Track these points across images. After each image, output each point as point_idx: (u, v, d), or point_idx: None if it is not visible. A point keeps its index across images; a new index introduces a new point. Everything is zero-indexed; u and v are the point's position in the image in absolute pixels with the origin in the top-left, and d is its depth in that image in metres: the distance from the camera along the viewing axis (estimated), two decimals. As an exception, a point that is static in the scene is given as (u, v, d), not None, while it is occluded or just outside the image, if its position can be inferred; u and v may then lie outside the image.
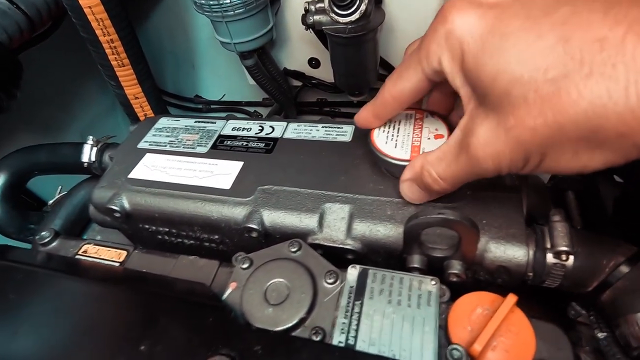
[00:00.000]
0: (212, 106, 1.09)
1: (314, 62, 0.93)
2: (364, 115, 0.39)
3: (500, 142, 0.26)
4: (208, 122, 0.52)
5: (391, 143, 0.39)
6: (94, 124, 1.03)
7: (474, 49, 0.26)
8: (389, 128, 0.40)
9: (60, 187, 0.71)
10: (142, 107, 0.86)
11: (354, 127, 0.47)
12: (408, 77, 0.33)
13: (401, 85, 0.34)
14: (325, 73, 0.93)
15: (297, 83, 0.98)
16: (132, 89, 0.82)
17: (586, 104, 0.21)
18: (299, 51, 0.91)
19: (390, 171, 0.40)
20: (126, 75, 0.79)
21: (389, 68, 0.88)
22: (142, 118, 0.86)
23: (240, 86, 1.03)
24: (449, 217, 0.31)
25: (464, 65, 0.27)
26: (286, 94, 0.96)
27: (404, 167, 0.36)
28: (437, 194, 0.34)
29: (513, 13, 0.25)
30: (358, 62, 0.80)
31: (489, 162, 0.27)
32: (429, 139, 0.38)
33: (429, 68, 0.30)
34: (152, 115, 0.88)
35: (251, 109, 1.08)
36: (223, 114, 1.10)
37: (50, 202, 0.70)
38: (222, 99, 1.09)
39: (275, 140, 0.47)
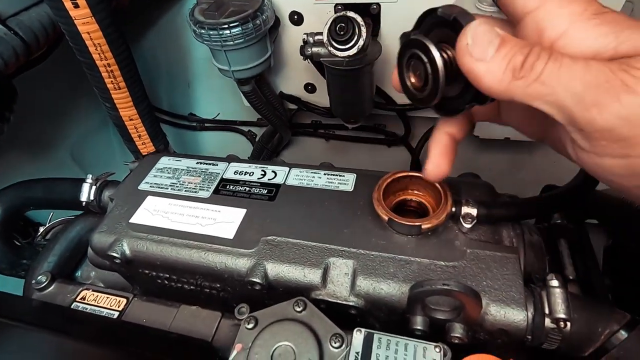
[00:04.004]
0: (206, 124, 1.08)
1: (309, 87, 0.93)
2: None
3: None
4: (210, 164, 0.52)
5: None
6: (84, 140, 1.02)
7: None
8: None
9: (51, 213, 0.69)
10: (136, 128, 0.85)
11: (355, 175, 0.48)
12: None
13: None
14: (320, 98, 0.94)
15: (292, 106, 0.98)
16: (127, 111, 0.81)
17: None
18: (296, 76, 0.91)
19: None
20: (122, 98, 0.78)
21: (384, 96, 0.89)
22: (135, 139, 0.86)
23: (235, 105, 1.03)
24: (453, 288, 0.31)
25: None
26: (281, 117, 0.97)
27: None
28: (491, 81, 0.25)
29: None
30: (354, 92, 0.81)
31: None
32: None
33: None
34: (146, 135, 0.87)
35: (245, 129, 1.08)
36: (217, 133, 1.10)
37: (42, 229, 0.68)
38: (216, 118, 1.08)
39: (277, 186, 0.48)
